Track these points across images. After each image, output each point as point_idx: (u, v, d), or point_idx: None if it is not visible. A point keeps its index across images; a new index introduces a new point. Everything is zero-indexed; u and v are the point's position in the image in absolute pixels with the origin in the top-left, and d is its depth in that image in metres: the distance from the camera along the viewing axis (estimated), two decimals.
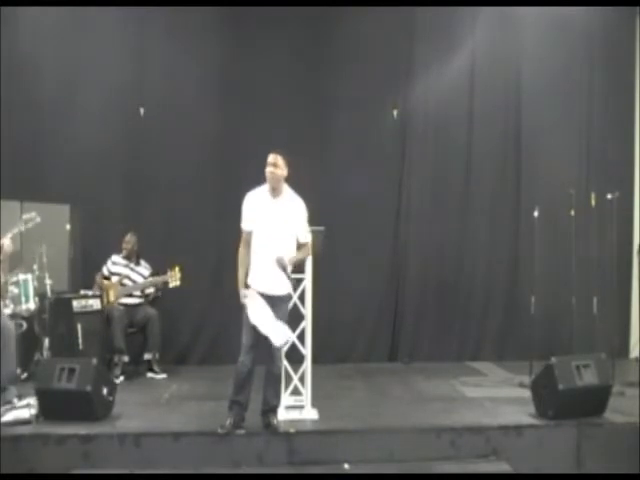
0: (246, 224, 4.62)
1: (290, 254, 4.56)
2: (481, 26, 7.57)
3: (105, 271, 6.76)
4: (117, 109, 7.26)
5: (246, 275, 4.58)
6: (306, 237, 4.68)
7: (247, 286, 4.56)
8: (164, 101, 7.33)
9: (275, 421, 4.58)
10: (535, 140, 7.69)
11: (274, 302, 4.54)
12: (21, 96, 7.06)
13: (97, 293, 6.51)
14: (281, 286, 4.56)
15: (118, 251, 6.81)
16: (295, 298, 5.12)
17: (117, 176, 7.34)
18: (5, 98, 6.90)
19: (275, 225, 4.53)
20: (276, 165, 4.51)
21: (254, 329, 4.47)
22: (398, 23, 7.54)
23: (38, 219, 5.47)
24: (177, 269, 6.60)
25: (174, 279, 6.61)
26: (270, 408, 4.63)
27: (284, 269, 4.43)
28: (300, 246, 4.65)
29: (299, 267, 5.04)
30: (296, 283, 5.06)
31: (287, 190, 4.65)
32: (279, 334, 4.44)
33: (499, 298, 7.69)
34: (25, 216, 5.56)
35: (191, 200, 7.28)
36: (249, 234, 4.60)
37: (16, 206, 6.26)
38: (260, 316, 4.45)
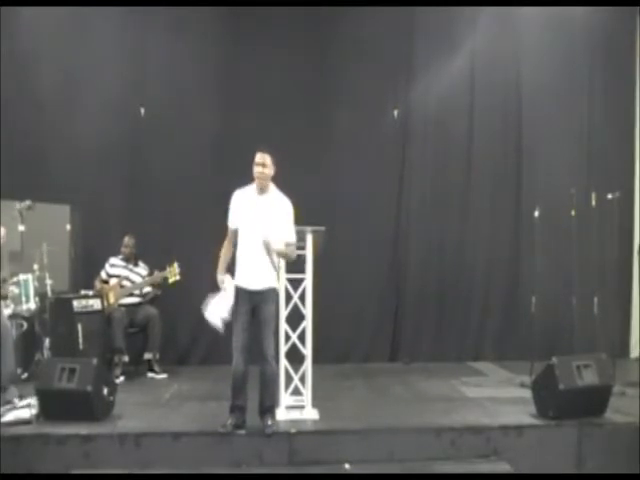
0: (231, 222, 4.69)
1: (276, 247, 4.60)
2: (481, 26, 7.57)
3: (103, 274, 6.76)
4: (117, 109, 7.26)
5: (226, 269, 4.65)
6: (291, 237, 4.66)
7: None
8: (164, 101, 7.33)
9: (270, 422, 4.56)
10: (535, 140, 7.70)
11: (259, 299, 4.55)
12: (21, 96, 7.05)
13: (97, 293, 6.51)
14: (266, 281, 4.58)
15: (117, 252, 6.81)
16: (295, 298, 5.12)
17: (117, 176, 7.35)
18: (5, 98, 6.89)
19: (260, 221, 4.56)
20: (265, 165, 4.58)
21: (244, 331, 4.53)
22: (398, 23, 7.55)
23: (28, 202, 5.63)
24: (175, 264, 6.62)
25: (173, 274, 6.62)
26: (265, 409, 4.62)
27: (268, 251, 4.51)
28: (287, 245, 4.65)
29: (299, 267, 5.05)
30: (296, 283, 5.09)
31: (274, 189, 4.70)
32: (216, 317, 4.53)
33: (499, 298, 7.69)
34: (18, 206, 5.64)
35: (191, 200, 7.28)
36: (234, 232, 4.66)
37: (16, 206, 6.26)
38: (216, 306, 4.55)
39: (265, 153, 4.60)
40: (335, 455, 4.46)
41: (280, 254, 4.62)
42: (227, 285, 4.57)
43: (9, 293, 6.01)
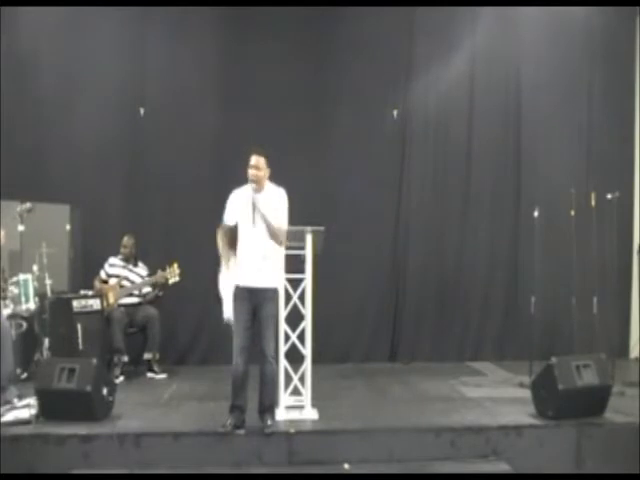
0: (227, 218, 4.68)
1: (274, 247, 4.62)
2: (481, 26, 7.58)
3: (103, 274, 6.76)
4: (117, 109, 7.26)
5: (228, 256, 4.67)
6: (281, 222, 4.63)
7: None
8: (164, 101, 7.33)
9: (270, 421, 4.57)
10: (535, 140, 7.70)
11: (260, 298, 4.56)
12: (21, 96, 7.06)
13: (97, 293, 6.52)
14: (267, 280, 4.58)
15: (117, 252, 6.81)
16: (295, 298, 5.12)
17: (117, 176, 7.34)
18: (5, 98, 6.90)
19: (258, 218, 4.57)
20: (258, 167, 4.61)
21: (245, 330, 4.54)
22: (398, 23, 7.54)
23: (28, 205, 5.54)
24: (175, 265, 6.63)
25: (173, 275, 6.63)
26: (264, 409, 4.63)
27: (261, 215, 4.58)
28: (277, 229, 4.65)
29: (299, 267, 5.05)
30: (296, 283, 5.09)
31: (269, 185, 4.71)
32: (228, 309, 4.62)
33: (499, 298, 7.69)
34: (18, 209, 5.62)
35: (191, 200, 7.28)
36: (227, 228, 4.66)
37: (16, 206, 6.25)
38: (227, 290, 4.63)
39: (260, 155, 4.62)
40: (334, 455, 4.46)
41: (265, 219, 4.57)
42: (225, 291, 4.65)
43: (9, 293, 6.01)
